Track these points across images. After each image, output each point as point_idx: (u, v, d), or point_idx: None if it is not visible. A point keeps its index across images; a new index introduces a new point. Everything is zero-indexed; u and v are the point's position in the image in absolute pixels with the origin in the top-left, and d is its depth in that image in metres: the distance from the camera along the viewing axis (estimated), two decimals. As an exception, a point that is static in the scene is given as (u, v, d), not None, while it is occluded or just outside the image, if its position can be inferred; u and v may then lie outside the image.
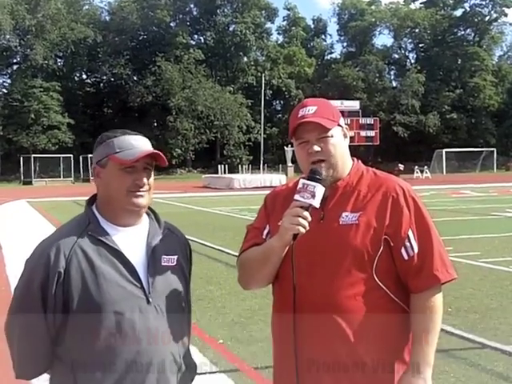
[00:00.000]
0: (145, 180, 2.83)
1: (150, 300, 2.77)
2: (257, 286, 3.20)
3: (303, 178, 2.90)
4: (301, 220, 2.79)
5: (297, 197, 2.84)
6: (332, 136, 2.97)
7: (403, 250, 2.90)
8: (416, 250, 2.90)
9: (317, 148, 2.95)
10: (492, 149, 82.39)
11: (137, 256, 2.81)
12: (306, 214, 2.80)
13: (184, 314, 2.98)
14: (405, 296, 2.94)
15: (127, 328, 2.71)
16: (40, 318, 2.71)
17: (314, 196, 2.81)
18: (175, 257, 2.93)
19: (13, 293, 2.84)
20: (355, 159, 3.17)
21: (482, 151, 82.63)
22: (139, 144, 2.83)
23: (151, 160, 2.84)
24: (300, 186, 2.86)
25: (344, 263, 2.86)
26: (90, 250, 2.73)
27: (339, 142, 3.00)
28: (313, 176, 2.87)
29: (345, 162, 3.04)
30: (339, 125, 3.03)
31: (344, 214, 2.93)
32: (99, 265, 2.71)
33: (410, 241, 2.90)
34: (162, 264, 2.87)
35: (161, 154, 2.84)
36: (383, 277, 2.88)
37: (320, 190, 2.83)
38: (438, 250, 2.95)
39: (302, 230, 2.79)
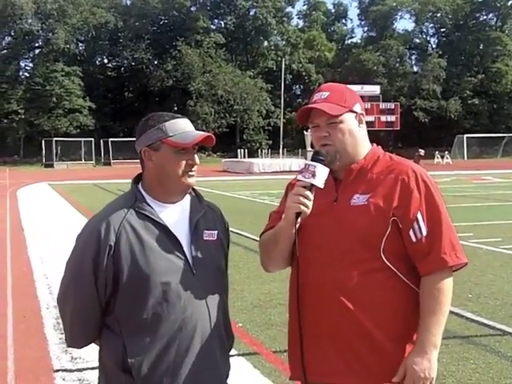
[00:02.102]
0: (197, 160, 2.98)
1: (195, 272, 2.90)
2: (274, 267, 3.24)
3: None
4: (301, 199, 2.86)
5: (299, 177, 2.92)
6: (341, 122, 3.00)
7: (411, 232, 2.91)
8: (424, 232, 2.90)
9: (324, 133, 3.01)
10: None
11: (181, 231, 2.94)
12: (308, 193, 2.87)
13: (224, 286, 3.13)
14: (417, 278, 2.95)
15: (174, 297, 2.86)
16: (92, 290, 2.86)
17: (314, 175, 2.87)
18: (215, 232, 3.07)
19: (65, 267, 2.97)
20: (374, 144, 3.19)
21: (504, 137, 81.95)
22: (188, 127, 2.99)
23: (200, 142, 2.96)
24: (302, 166, 2.95)
25: (351, 243, 2.91)
26: (137, 225, 2.87)
27: (350, 127, 3.02)
28: (315, 157, 2.94)
29: (358, 147, 3.06)
30: (352, 111, 3.05)
31: (355, 196, 2.97)
32: (146, 238, 2.85)
33: (418, 223, 2.91)
34: (204, 238, 3.01)
35: (212, 136, 3.00)
36: (392, 258, 2.91)
37: (321, 170, 2.88)
38: (447, 233, 2.93)
39: (304, 209, 2.87)
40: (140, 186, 3.02)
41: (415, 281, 2.95)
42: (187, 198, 3.06)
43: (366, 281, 2.88)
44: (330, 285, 2.91)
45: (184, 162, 2.92)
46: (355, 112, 3.06)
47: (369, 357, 2.90)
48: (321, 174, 2.88)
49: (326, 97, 3.03)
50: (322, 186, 2.89)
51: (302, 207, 2.86)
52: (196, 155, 2.97)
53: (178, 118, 2.99)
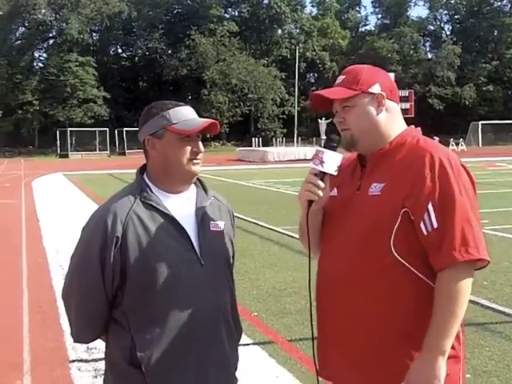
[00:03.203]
0: (202, 147, 2.95)
1: (203, 263, 2.87)
2: (312, 252, 3.01)
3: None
4: (310, 186, 2.80)
5: (310, 163, 2.84)
6: (354, 105, 2.85)
7: (422, 225, 2.68)
8: (435, 225, 2.66)
9: (340, 118, 2.90)
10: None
11: (187, 221, 2.91)
12: (318, 181, 2.79)
13: (231, 277, 3.10)
14: (434, 273, 2.71)
15: (182, 289, 2.82)
16: (98, 282, 2.81)
17: (322, 163, 2.79)
18: (222, 222, 3.04)
19: (70, 259, 2.94)
20: (411, 126, 3.02)
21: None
22: (192, 114, 2.94)
23: (204, 129, 2.93)
24: (313, 152, 2.86)
25: (363, 236, 2.77)
26: (144, 216, 2.83)
27: (364, 110, 2.85)
28: (326, 143, 2.87)
29: (379, 131, 2.87)
30: (367, 92, 2.85)
31: (373, 185, 2.82)
32: (153, 229, 2.82)
33: (429, 215, 2.67)
34: (211, 229, 2.97)
35: (217, 123, 2.96)
36: (404, 252, 2.71)
37: (330, 156, 2.80)
38: (460, 226, 2.65)
39: (314, 197, 2.80)
40: (145, 176, 2.98)
41: (433, 276, 2.71)
42: (193, 188, 3.02)
43: (378, 278, 2.74)
44: (341, 280, 2.81)
45: (188, 150, 2.88)
46: (372, 93, 2.86)
47: (376, 358, 2.76)
48: (330, 161, 2.79)
49: (341, 81, 2.91)
50: (333, 173, 2.80)
51: (312, 195, 2.79)
52: (200, 143, 2.94)
53: (181, 105, 2.94)
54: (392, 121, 2.92)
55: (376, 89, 2.87)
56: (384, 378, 2.77)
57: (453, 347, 2.73)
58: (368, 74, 2.92)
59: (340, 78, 2.94)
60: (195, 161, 2.91)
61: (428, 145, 2.84)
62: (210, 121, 2.91)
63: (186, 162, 2.88)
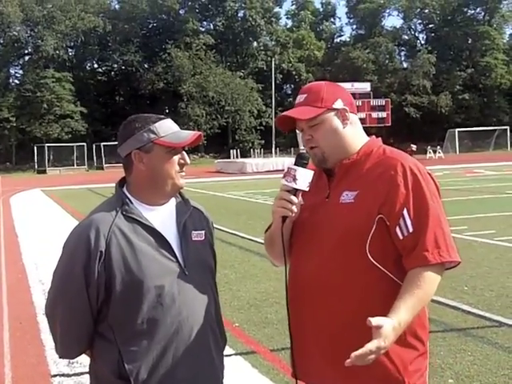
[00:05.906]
0: (188, 159, 2.97)
1: (187, 273, 2.88)
2: (279, 263, 3.14)
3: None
4: (285, 203, 2.87)
5: (282, 181, 2.91)
6: (321, 122, 2.95)
7: (398, 230, 2.81)
8: (411, 229, 2.79)
9: (307, 136, 2.99)
10: (505, 127, 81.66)
11: (169, 232, 2.91)
12: (292, 197, 2.87)
13: (214, 286, 3.11)
14: None
15: (168, 301, 2.82)
16: (83, 297, 2.79)
17: (295, 179, 2.87)
18: (203, 232, 3.06)
19: (52, 276, 2.91)
20: (373, 136, 3.13)
21: (495, 130, 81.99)
22: (175, 126, 2.97)
23: (193, 141, 2.95)
24: (286, 170, 2.93)
25: (338, 242, 2.84)
26: (126, 229, 2.82)
27: (332, 126, 2.97)
28: (297, 160, 2.94)
29: (347, 144, 2.99)
30: (331, 109, 2.97)
31: (344, 193, 2.92)
32: (137, 242, 2.81)
33: (404, 220, 2.80)
34: (193, 239, 2.99)
35: (201, 135, 3.00)
36: (380, 257, 2.82)
37: (302, 173, 2.88)
38: (432, 230, 2.79)
39: (288, 213, 2.88)
40: (125, 189, 2.98)
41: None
42: (172, 200, 3.03)
43: (353, 281, 2.81)
44: (317, 284, 2.87)
45: (176, 162, 2.90)
46: (336, 109, 2.98)
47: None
48: (302, 178, 2.87)
49: (303, 100, 3.00)
50: (306, 189, 2.88)
51: (286, 211, 2.87)
52: (186, 154, 2.95)
53: (163, 118, 2.96)
54: (357, 132, 3.07)
55: (339, 104, 3.00)
56: (364, 378, 2.81)
57: (423, 344, 2.92)
58: (329, 90, 3.03)
59: (301, 97, 3.03)
60: (182, 173, 2.94)
61: (396, 154, 3.00)
62: (197, 133, 2.94)
63: (174, 174, 2.90)
